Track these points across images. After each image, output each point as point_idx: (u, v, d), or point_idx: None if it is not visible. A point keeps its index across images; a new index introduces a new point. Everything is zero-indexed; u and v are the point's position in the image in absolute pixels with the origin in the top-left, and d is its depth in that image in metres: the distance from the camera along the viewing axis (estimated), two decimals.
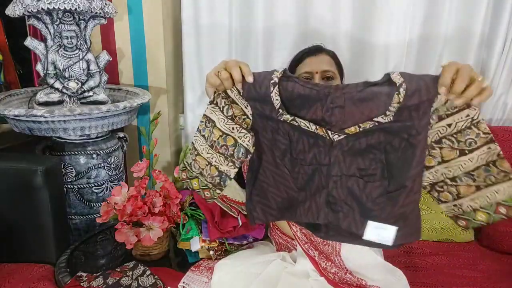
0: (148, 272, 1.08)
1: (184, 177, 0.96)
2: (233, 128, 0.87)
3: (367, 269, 1.01)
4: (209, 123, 0.89)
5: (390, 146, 0.82)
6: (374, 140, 0.82)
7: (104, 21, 1.44)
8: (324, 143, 0.85)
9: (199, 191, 0.95)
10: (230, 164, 0.89)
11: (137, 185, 1.19)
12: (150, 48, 1.65)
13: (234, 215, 1.18)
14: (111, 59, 1.49)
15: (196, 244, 1.17)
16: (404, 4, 1.45)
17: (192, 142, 0.93)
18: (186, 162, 0.95)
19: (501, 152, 0.76)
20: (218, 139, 0.88)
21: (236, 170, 0.90)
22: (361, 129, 0.81)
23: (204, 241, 1.17)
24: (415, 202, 0.85)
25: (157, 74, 1.68)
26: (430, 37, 1.51)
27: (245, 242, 1.21)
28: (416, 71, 1.59)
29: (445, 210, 0.85)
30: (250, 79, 0.83)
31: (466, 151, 0.78)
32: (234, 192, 1.23)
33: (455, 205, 0.83)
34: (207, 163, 0.91)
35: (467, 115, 0.76)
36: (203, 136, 0.90)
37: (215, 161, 0.90)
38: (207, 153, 0.90)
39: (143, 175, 1.24)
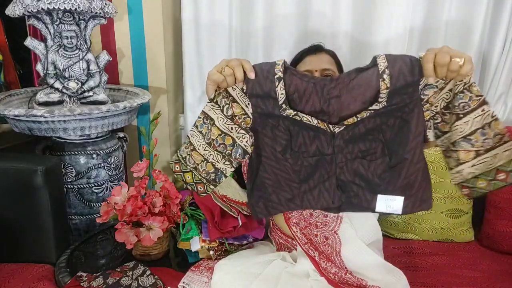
0: (148, 272, 1.08)
1: (178, 169, 0.96)
2: (232, 128, 0.88)
3: (368, 269, 1.01)
4: (207, 120, 0.89)
5: (386, 126, 0.87)
6: (371, 124, 0.87)
7: (104, 21, 1.44)
8: (325, 135, 0.89)
9: (191, 184, 0.96)
10: (227, 163, 0.91)
11: (137, 185, 1.19)
12: (150, 48, 1.65)
13: (234, 215, 1.17)
14: (111, 59, 1.49)
15: (196, 244, 1.17)
16: (404, 3, 1.45)
17: (188, 136, 0.93)
18: (180, 155, 0.95)
19: (495, 113, 0.79)
20: (216, 137, 0.89)
21: (233, 169, 0.92)
22: (358, 119, 0.85)
23: (204, 241, 1.17)
24: (417, 172, 0.89)
25: (157, 74, 1.68)
26: (430, 36, 1.51)
27: (245, 242, 1.21)
28: None
29: (451, 177, 0.89)
30: (252, 75, 0.84)
31: (461, 115, 0.82)
32: (234, 192, 1.23)
33: (457, 171, 0.86)
34: (203, 159, 0.92)
35: (461, 81, 0.80)
36: (200, 132, 0.91)
37: (212, 159, 0.91)
38: (204, 150, 0.91)
39: (143, 175, 1.24)
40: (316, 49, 1.16)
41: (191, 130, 0.92)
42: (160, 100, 1.71)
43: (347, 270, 1.00)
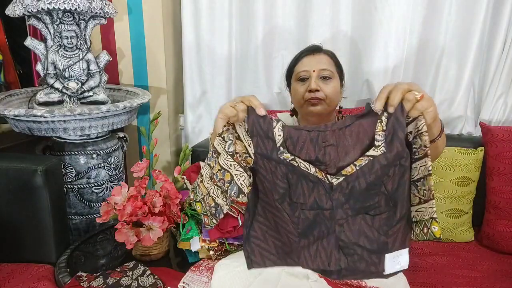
0: (148, 272, 1.08)
1: (192, 198, 0.98)
2: (231, 165, 0.87)
3: None
4: (215, 154, 0.90)
5: (387, 177, 0.82)
6: (372, 177, 0.81)
7: (104, 21, 1.44)
8: (324, 187, 0.84)
9: (201, 214, 0.97)
10: (224, 199, 0.89)
11: (137, 185, 1.19)
12: (150, 48, 1.65)
13: (234, 215, 1.17)
14: (111, 59, 1.49)
15: (196, 244, 1.16)
16: (404, 5, 1.46)
17: (202, 167, 0.95)
18: (195, 185, 0.97)
19: (430, 168, 0.77)
20: (217, 172, 0.88)
21: (228, 207, 0.90)
22: (357, 168, 0.80)
23: (204, 241, 1.16)
24: (410, 213, 0.86)
25: (157, 74, 1.68)
26: (430, 38, 1.51)
27: None
28: (416, 72, 1.61)
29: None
30: (262, 111, 0.84)
31: (413, 159, 0.80)
32: None
33: (411, 211, 0.84)
34: (207, 192, 0.92)
35: (416, 125, 0.78)
36: (209, 165, 0.92)
37: (213, 193, 0.90)
38: (207, 182, 0.91)
39: (143, 175, 1.24)
40: (314, 50, 1.15)
41: (204, 162, 0.94)
42: (160, 100, 1.71)
43: None
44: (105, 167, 1.47)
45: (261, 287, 0.95)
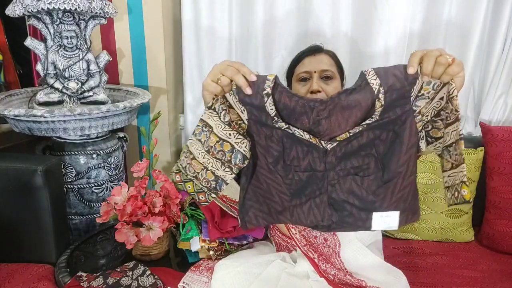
0: (148, 272, 1.08)
1: (178, 179, 0.95)
2: (230, 134, 0.87)
3: (367, 270, 1.01)
4: (206, 127, 0.88)
5: (379, 140, 0.86)
6: (364, 139, 0.85)
7: (104, 21, 1.44)
8: (318, 151, 0.87)
9: (193, 194, 0.95)
10: (227, 169, 0.88)
11: (137, 185, 1.19)
12: (150, 48, 1.65)
13: (234, 215, 1.17)
14: (111, 59, 1.49)
15: (196, 244, 1.17)
16: (404, 5, 1.45)
17: (187, 145, 0.92)
18: (180, 165, 0.94)
19: (462, 132, 0.79)
20: (215, 144, 0.87)
21: (233, 175, 0.89)
22: (351, 134, 0.84)
23: (204, 241, 1.17)
24: (411, 184, 0.88)
25: (157, 74, 1.68)
26: (430, 37, 1.51)
27: (245, 242, 1.21)
28: None
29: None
30: (248, 90, 0.81)
31: (445, 125, 0.81)
32: (234, 192, 1.22)
33: (443, 177, 0.85)
34: (203, 168, 0.90)
35: (448, 90, 0.78)
36: (199, 140, 0.90)
37: (212, 166, 0.89)
38: (203, 157, 0.90)
39: (143, 175, 1.24)
40: (315, 50, 1.15)
41: (190, 139, 0.92)
42: (160, 100, 1.71)
43: (347, 272, 1.00)
44: (105, 167, 1.47)
45: (261, 287, 0.96)
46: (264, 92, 0.82)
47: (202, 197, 0.94)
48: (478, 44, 1.46)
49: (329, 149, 0.86)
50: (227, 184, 0.90)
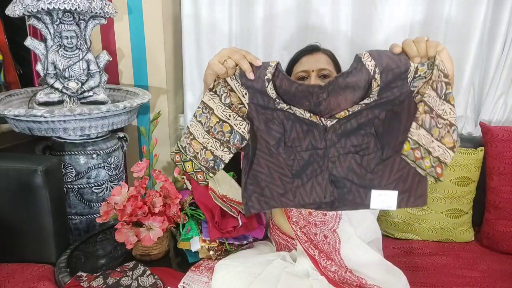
0: (148, 272, 1.08)
1: (178, 159, 0.98)
2: (229, 115, 0.91)
3: (367, 267, 1.01)
4: (206, 109, 0.92)
5: (378, 119, 0.89)
6: (363, 118, 0.89)
7: (104, 21, 1.44)
8: (318, 129, 0.91)
9: (192, 173, 0.97)
10: (226, 149, 0.92)
11: (137, 185, 1.19)
12: (150, 48, 1.65)
13: (234, 215, 1.17)
14: (111, 59, 1.49)
15: (196, 244, 1.17)
16: (404, 5, 1.45)
17: (187, 127, 0.95)
18: (180, 145, 0.97)
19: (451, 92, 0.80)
20: (214, 125, 0.91)
21: (231, 155, 0.93)
22: (350, 112, 0.87)
23: (204, 241, 1.17)
24: (409, 165, 0.88)
25: (157, 74, 1.68)
26: (430, 37, 1.50)
27: (245, 242, 1.21)
28: None
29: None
30: (251, 75, 0.86)
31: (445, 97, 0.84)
32: (234, 192, 1.23)
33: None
34: (202, 147, 0.94)
35: (437, 64, 0.81)
36: (200, 121, 0.93)
37: (211, 146, 0.93)
38: (203, 138, 0.93)
39: (143, 175, 1.24)
40: (312, 49, 1.16)
41: (190, 121, 0.95)
42: (160, 100, 1.71)
43: (347, 269, 1.00)
44: (105, 167, 1.47)
45: (261, 287, 0.96)
46: (266, 77, 0.86)
47: (200, 177, 0.97)
48: (478, 44, 1.46)
49: (329, 126, 0.89)
50: (225, 163, 0.93)
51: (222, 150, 0.92)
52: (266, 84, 0.86)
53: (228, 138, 0.91)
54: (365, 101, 0.85)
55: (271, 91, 0.87)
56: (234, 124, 0.91)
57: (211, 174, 0.95)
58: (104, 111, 1.31)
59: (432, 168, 0.81)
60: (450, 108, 0.80)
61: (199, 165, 0.95)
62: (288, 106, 0.88)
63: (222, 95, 0.90)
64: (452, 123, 0.80)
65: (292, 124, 0.91)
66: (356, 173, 0.92)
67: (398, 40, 1.51)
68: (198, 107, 0.93)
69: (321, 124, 0.89)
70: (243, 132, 0.90)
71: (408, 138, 0.79)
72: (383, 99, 0.86)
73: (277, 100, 0.88)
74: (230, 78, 0.89)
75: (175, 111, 1.80)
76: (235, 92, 0.91)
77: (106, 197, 1.38)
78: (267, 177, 0.95)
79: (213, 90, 0.91)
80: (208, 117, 0.92)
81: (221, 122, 0.91)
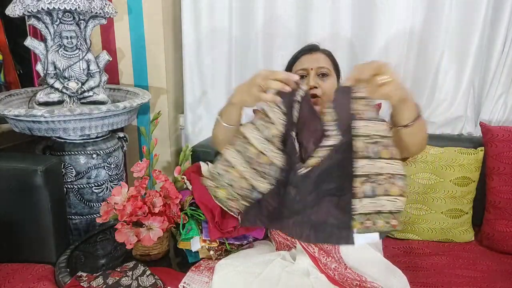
0: (148, 272, 1.08)
1: (211, 185, 0.97)
2: (267, 149, 0.92)
3: (367, 266, 1.01)
4: (243, 139, 0.93)
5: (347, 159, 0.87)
6: (333, 160, 0.88)
7: (104, 21, 1.44)
8: (294, 179, 0.92)
9: (223, 201, 0.97)
10: (265, 180, 0.93)
11: (137, 185, 1.19)
12: (150, 48, 1.65)
13: (235, 215, 1.17)
14: (111, 59, 1.49)
15: (196, 244, 1.17)
16: (404, 5, 1.45)
17: (223, 154, 0.96)
18: (216, 172, 0.96)
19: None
20: (254, 156, 0.92)
21: (270, 187, 0.93)
22: (321, 158, 0.88)
23: (204, 241, 1.16)
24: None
25: (157, 74, 1.68)
26: (430, 38, 1.51)
27: (245, 242, 1.21)
28: (416, 72, 1.60)
29: None
30: (287, 88, 0.87)
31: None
32: None
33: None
34: (241, 177, 0.93)
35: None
36: (238, 151, 0.94)
37: (250, 176, 0.93)
38: (242, 167, 0.93)
39: (143, 175, 1.24)
40: (311, 49, 1.17)
41: (226, 148, 0.95)
42: (160, 100, 1.71)
43: (347, 266, 1.00)
44: (105, 167, 1.47)
45: (261, 287, 0.96)
46: (295, 98, 0.90)
47: (233, 204, 0.97)
48: (478, 44, 1.46)
49: (302, 174, 0.90)
50: (261, 194, 0.94)
51: (258, 182, 0.93)
52: (295, 105, 0.90)
53: (269, 170, 0.92)
54: (332, 142, 0.87)
55: (295, 114, 0.90)
56: (274, 156, 0.92)
57: (245, 203, 0.95)
58: (104, 111, 1.31)
59: (387, 224, 0.81)
60: (386, 162, 0.81)
61: (234, 193, 0.95)
62: (295, 137, 0.91)
63: (265, 128, 0.92)
64: (393, 174, 0.81)
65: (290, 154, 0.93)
66: (336, 217, 0.89)
67: (398, 42, 1.53)
68: (238, 136, 0.94)
69: (297, 173, 0.91)
70: (282, 165, 0.92)
71: (354, 217, 0.81)
72: (346, 135, 0.85)
73: (294, 129, 0.91)
74: (272, 111, 0.91)
75: (175, 111, 1.80)
76: (273, 124, 0.92)
77: (106, 197, 1.38)
78: (268, 198, 0.95)
79: (252, 122, 0.93)
80: (247, 147, 0.93)
81: (260, 153, 0.92)
